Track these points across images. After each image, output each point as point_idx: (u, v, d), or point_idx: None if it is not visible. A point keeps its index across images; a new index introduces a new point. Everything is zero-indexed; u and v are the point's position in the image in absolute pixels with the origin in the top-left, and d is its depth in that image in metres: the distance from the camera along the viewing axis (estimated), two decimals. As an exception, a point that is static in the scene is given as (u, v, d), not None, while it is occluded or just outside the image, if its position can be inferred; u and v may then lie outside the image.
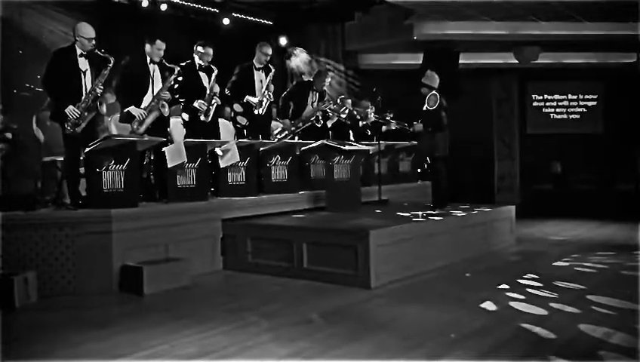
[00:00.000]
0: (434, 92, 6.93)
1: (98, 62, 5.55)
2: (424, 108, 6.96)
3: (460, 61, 10.96)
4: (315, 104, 8.18)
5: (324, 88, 8.38)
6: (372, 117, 9.12)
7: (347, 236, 5.25)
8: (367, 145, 7.83)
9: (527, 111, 13.15)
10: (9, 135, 6.14)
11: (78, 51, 5.51)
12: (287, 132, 7.95)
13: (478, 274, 5.65)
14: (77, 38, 5.49)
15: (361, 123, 9.08)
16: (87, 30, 5.49)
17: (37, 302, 4.73)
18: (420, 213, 6.60)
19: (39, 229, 4.96)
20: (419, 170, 9.46)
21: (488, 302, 4.54)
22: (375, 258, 5.08)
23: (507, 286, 5.05)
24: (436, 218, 6.26)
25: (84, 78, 5.52)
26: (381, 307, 4.53)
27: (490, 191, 12.84)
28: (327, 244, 5.34)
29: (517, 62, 11.19)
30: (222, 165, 6.46)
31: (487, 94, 13.06)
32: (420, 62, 10.58)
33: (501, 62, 11.72)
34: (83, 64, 5.53)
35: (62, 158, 5.99)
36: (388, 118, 9.12)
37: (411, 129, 7.28)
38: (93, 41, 5.50)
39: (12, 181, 5.67)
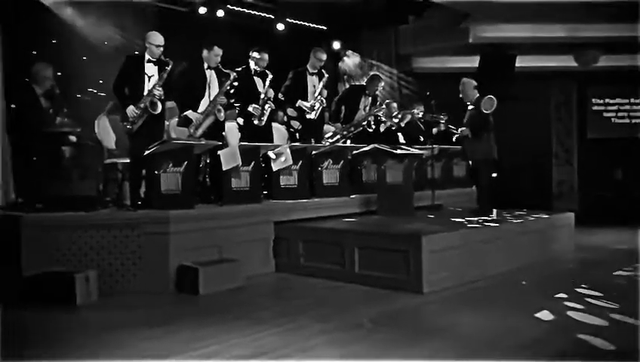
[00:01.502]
0: (490, 95, 6.82)
1: (162, 67, 5.78)
2: (469, 110, 6.88)
3: (517, 64, 10.72)
4: (368, 108, 8.18)
5: (377, 93, 8.37)
6: (419, 115, 9.02)
7: (399, 241, 5.23)
8: (420, 149, 7.76)
9: (587, 115, 12.72)
10: (73, 138, 6.37)
11: (147, 57, 5.78)
12: (339, 136, 7.98)
13: (535, 282, 5.52)
14: (146, 45, 5.77)
15: (402, 123, 8.98)
16: (155, 38, 5.77)
17: (97, 301, 4.90)
18: (475, 218, 6.49)
19: (100, 230, 5.15)
20: (471, 176, 9.29)
21: (545, 311, 4.42)
22: (427, 264, 5.04)
23: (565, 296, 4.91)
24: (492, 224, 6.14)
25: (149, 82, 5.75)
26: (434, 313, 4.48)
27: (548, 197, 12.48)
28: (379, 249, 5.33)
29: (577, 65, 10.86)
30: (275, 168, 6.54)
31: (545, 98, 12.71)
32: (476, 65, 10.42)
33: (560, 65, 11.39)
34: (150, 69, 5.78)
35: (123, 161, 6.23)
36: (441, 120, 9.01)
37: (459, 131, 7.18)
38: (161, 48, 5.77)
39: (75, 182, 5.89)
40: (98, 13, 8.30)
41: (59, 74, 6.67)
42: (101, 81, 7.60)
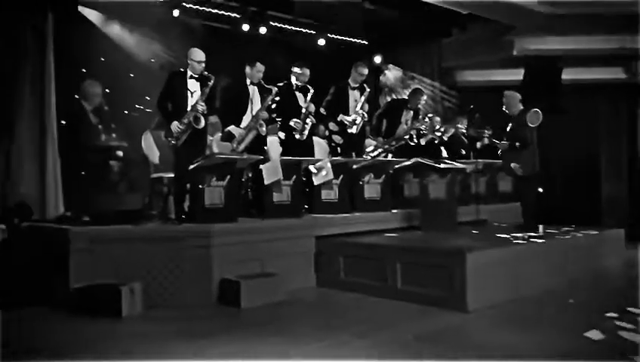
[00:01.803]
0: (536, 109, 6.69)
1: (205, 82, 5.89)
2: (512, 123, 6.77)
3: (564, 76, 10.50)
4: (410, 122, 8.13)
5: (419, 106, 8.32)
6: (462, 129, 8.92)
7: (442, 257, 5.15)
8: (463, 163, 7.66)
9: (637, 127, 12.32)
10: (120, 153, 6.54)
11: (189, 73, 5.90)
12: (380, 150, 7.95)
13: (583, 300, 5.34)
14: (189, 62, 5.89)
15: (446, 137, 8.89)
16: (197, 54, 5.90)
17: (142, 312, 4.97)
18: (520, 234, 6.35)
19: (146, 243, 5.24)
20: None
21: (594, 330, 4.27)
22: (472, 280, 4.94)
23: (615, 315, 4.73)
24: (538, 240, 6.00)
25: (192, 97, 5.87)
26: (480, 331, 4.39)
27: (597, 212, 12.10)
28: (422, 265, 5.26)
29: (626, 77, 10.55)
30: (316, 182, 6.56)
31: (593, 111, 12.38)
32: (521, 77, 10.26)
33: (608, 77, 11.10)
34: (192, 85, 5.90)
35: (168, 175, 6.36)
36: (485, 134, 8.88)
37: (501, 145, 7.06)
38: (203, 64, 5.88)
39: (122, 196, 6.04)
40: (145, 31, 8.55)
41: (107, 91, 6.88)
42: (148, 98, 7.81)
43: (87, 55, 7.77)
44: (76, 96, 6.55)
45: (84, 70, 7.65)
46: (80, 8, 7.71)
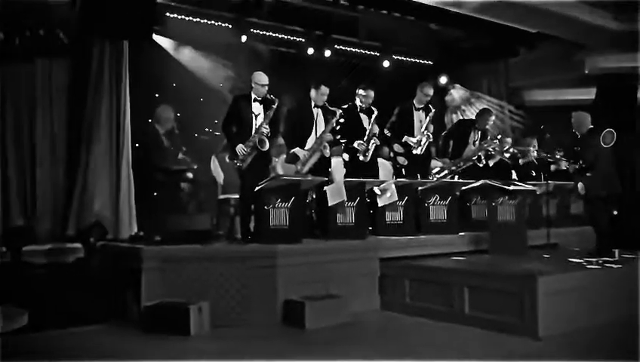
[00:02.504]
0: (610, 129, 6.45)
1: (269, 105, 6.01)
2: (582, 144, 6.53)
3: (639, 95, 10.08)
4: (477, 143, 8.00)
5: (487, 127, 8.18)
6: (534, 155, 8.70)
7: (512, 282, 5.01)
8: (534, 185, 7.45)
9: None
10: (190, 175, 6.77)
11: (253, 96, 6.03)
12: (446, 171, 7.86)
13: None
14: (252, 85, 6.02)
15: (521, 161, 8.68)
16: (260, 78, 6.03)
17: (209, 331, 5.05)
18: (594, 259, 6.10)
19: (214, 262, 5.35)
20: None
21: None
22: (543, 306, 4.77)
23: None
24: (613, 266, 5.74)
25: (256, 120, 5.99)
26: (551, 359, 4.22)
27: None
28: (490, 290, 5.13)
29: None
30: (380, 204, 6.53)
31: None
32: (592, 96, 9.93)
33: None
34: (256, 108, 6.03)
35: (235, 196, 6.51)
36: (558, 157, 8.61)
37: (571, 166, 6.82)
38: (266, 87, 6.00)
39: (192, 216, 6.23)
40: (214, 56, 8.85)
41: (178, 115, 7.14)
42: (216, 121, 8.04)
43: (159, 80, 8.10)
44: (150, 120, 6.84)
45: (157, 95, 7.98)
46: (155, 36, 8.07)
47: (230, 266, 5.34)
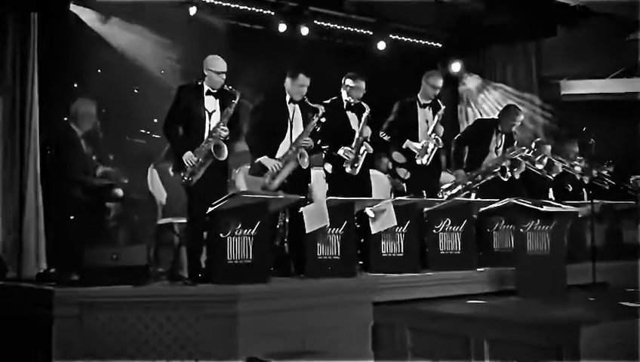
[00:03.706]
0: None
1: (227, 100, 5.99)
2: None
3: None
4: (501, 150, 8.07)
5: (514, 129, 8.26)
6: (575, 163, 8.82)
7: (547, 333, 5.03)
8: (574, 205, 7.52)
9: None
10: (119, 192, 6.71)
11: (206, 88, 6.02)
12: (460, 187, 7.90)
13: None
14: (205, 72, 6.01)
15: (553, 175, 8.77)
16: (216, 63, 6.00)
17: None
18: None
19: (150, 309, 5.27)
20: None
21: None
22: (588, 364, 4.81)
23: None
24: (679, 311, 5.80)
25: (210, 119, 5.97)
26: None
27: None
28: (518, 342, 5.14)
29: None
30: (374, 230, 6.53)
31: None
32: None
33: None
34: (211, 103, 6.01)
35: (181, 221, 6.46)
36: (603, 169, 8.72)
37: (631, 183, 6.91)
38: (223, 75, 5.98)
39: (121, 248, 6.17)
40: (153, 34, 8.82)
41: (104, 111, 7.09)
42: (156, 120, 8.01)
43: (79, 65, 8.06)
44: (65, 118, 6.77)
45: (75, 84, 7.92)
46: (72, 7, 8.02)
47: (174, 314, 5.27)
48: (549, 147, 9.02)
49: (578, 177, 8.86)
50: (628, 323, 5.32)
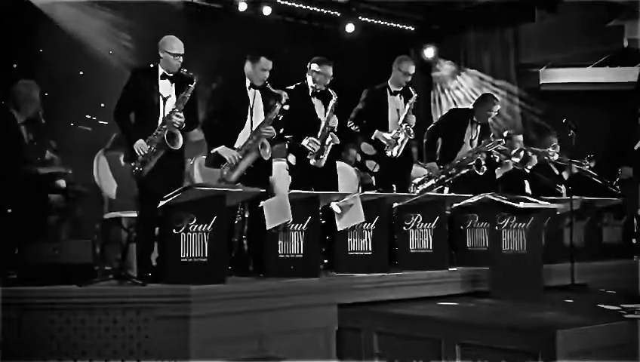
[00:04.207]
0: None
1: (183, 84, 5.96)
2: (636, 147, 6.69)
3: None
4: (476, 142, 8.13)
5: (490, 120, 8.32)
6: (552, 153, 8.91)
7: (522, 337, 5.07)
8: (553, 201, 7.60)
9: None
10: (62, 183, 6.63)
11: (161, 71, 5.99)
12: (433, 181, 7.94)
13: None
14: (161, 55, 5.98)
15: (528, 168, 8.86)
16: (172, 44, 5.97)
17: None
18: (634, 306, 6.25)
19: (96, 311, 5.22)
20: (634, 240, 8.99)
21: None
22: (565, 371, 4.87)
23: None
24: (661, 315, 5.90)
25: (164, 105, 5.93)
26: None
27: None
28: (492, 347, 5.18)
29: None
30: (340, 227, 6.54)
31: None
32: (635, 80, 10.26)
33: None
34: (166, 88, 5.98)
35: (131, 215, 6.40)
36: (583, 164, 8.82)
37: (617, 178, 6.99)
38: (180, 58, 5.95)
39: (64, 244, 6.09)
40: (102, 10, 8.72)
41: (46, 94, 6.99)
42: (103, 105, 7.92)
43: (18, 44, 7.93)
44: (3, 102, 6.66)
45: (14, 65, 7.80)
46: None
47: (121, 317, 5.22)
48: (520, 138, 9.11)
49: (555, 170, 8.95)
50: (607, 326, 5.39)
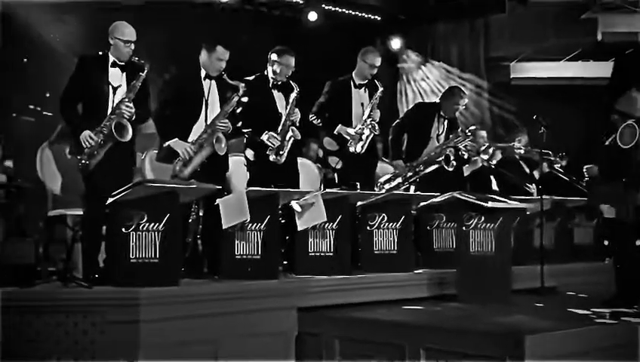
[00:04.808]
0: (631, 122, 6.74)
1: (134, 73, 5.92)
2: (606, 143, 6.79)
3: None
4: (443, 137, 8.18)
5: (457, 114, 8.38)
6: (521, 150, 9.01)
7: (490, 341, 5.11)
8: (522, 200, 7.67)
9: None
10: (3, 177, 6.55)
11: (111, 59, 5.94)
12: (399, 179, 7.97)
13: None
14: (111, 41, 5.93)
15: (493, 162, 8.96)
16: (123, 30, 5.94)
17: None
18: (604, 311, 6.34)
19: (41, 314, 5.18)
20: (606, 242, 9.11)
21: None
22: (534, 378, 4.92)
23: None
24: (633, 319, 5.98)
25: (114, 95, 5.89)
26: None
27: None
28: (459, 352, 5.23)
29: None
30: (300, 226, 6.54)
31: None
32: (608, 73, 10.38)
33: None
34: (116, 76, 5.94)
35: (77, 212, 6.33)
36: (555, 160, 8.92)
37: (585, 177, 7.07)
38: (132, 46, 5.91)
39: (4, 243, 6.02)
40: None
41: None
42: (48, 95, 7.83)
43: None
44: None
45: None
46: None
47: (66, 321, 5.17)
48: (484, 133, 9.18)
49: (526, 168, 9.04)
50: (577, 331, 5.46)
